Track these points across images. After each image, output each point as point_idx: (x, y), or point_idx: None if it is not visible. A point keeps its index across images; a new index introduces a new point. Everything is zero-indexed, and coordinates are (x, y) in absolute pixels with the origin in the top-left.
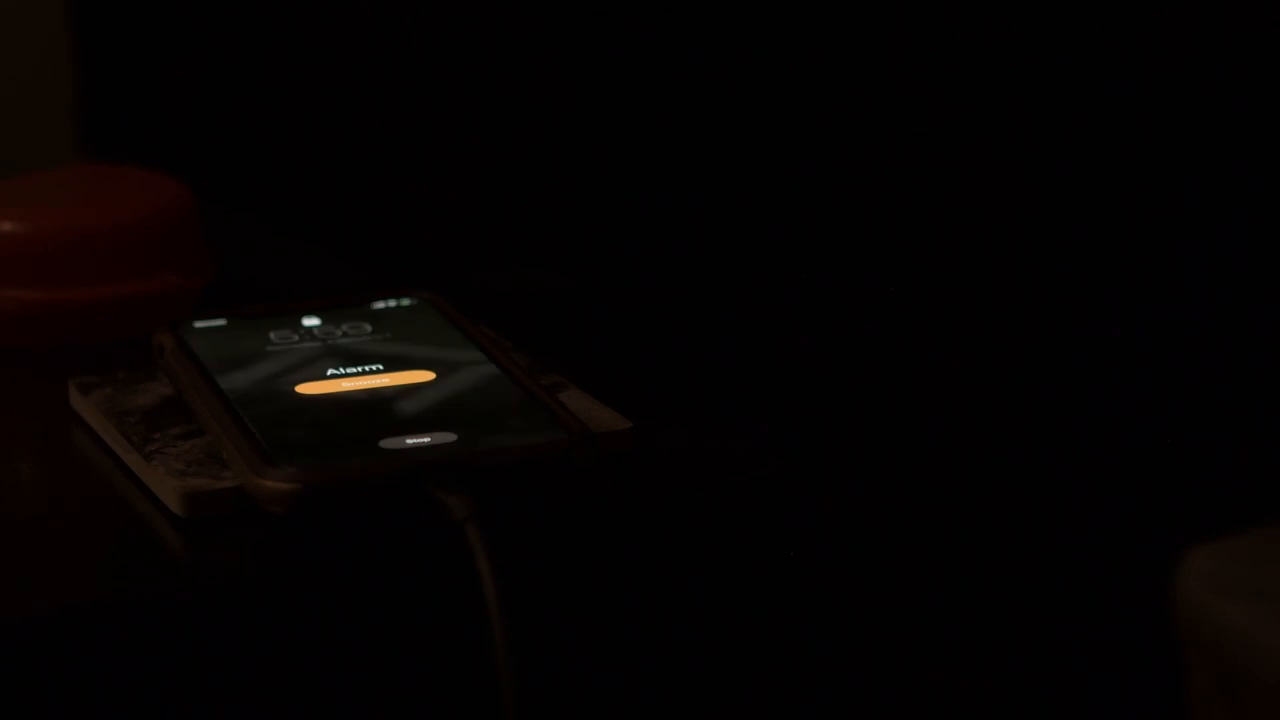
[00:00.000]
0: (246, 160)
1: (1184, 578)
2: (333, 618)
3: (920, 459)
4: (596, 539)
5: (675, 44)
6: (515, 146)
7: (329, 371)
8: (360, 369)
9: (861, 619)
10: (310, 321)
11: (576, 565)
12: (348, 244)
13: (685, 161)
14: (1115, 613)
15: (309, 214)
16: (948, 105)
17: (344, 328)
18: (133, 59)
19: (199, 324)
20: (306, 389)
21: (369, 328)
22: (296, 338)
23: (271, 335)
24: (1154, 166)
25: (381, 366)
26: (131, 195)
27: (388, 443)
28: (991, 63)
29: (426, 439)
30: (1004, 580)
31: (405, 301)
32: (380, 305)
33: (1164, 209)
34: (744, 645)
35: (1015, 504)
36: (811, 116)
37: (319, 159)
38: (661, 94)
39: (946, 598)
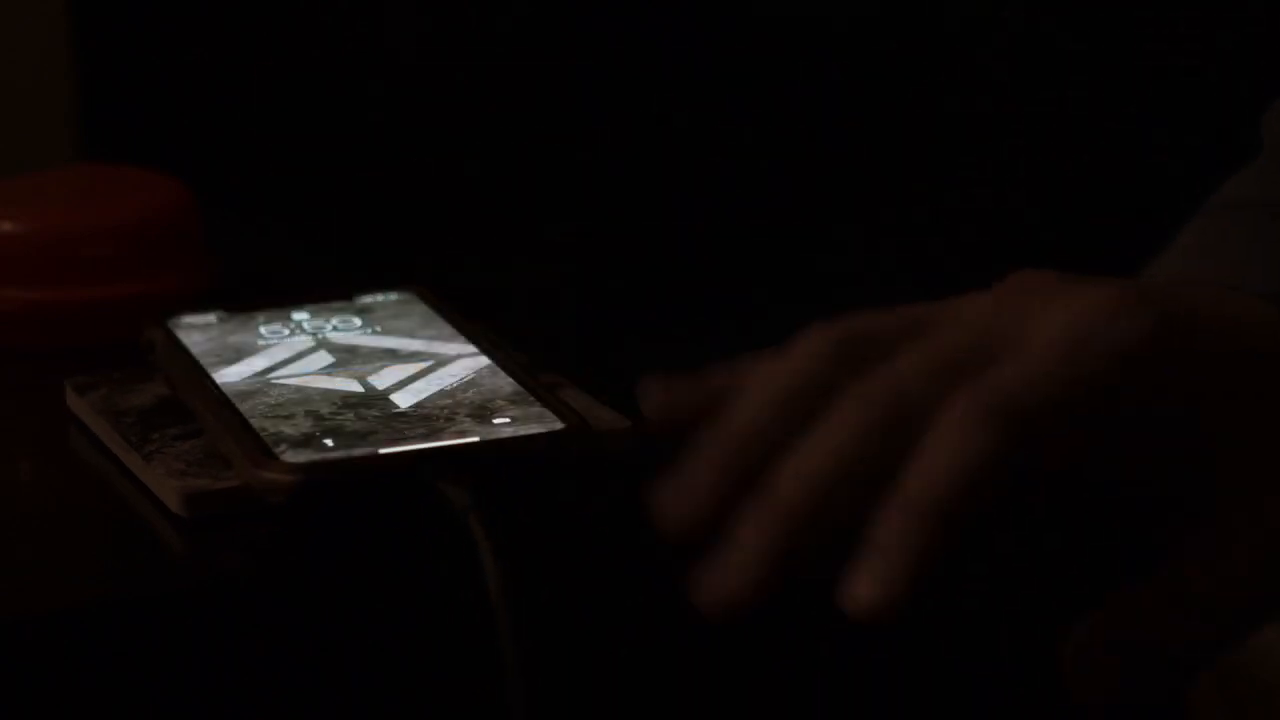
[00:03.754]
0: (246, 160)
1: None
2: (334, 611)
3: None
4: (597, 532)
5: (676, 44)
6: (515, 146)
7: (323, 364)
8: (355, 361)
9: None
10: (299, 315)
11: (578, 556)
12: (348, 244)
13: (685, 162)
14: None
15: (309, 214)
16: (947, 104)
17: (334, 321)
18: (133, 59)
19: (189, 319)
20: (302, 382)
21: (358, 321)
22: (288, 331)
23: (262, 329)
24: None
25: (377, 359)
26: (131, 195)
27: (386, 434)
28: (993, 63)
29: (424, 430)
30: (1003, 580)
31: (392, 296)
32: (367, 299)
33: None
34: (743, 645)
35: (1014, 504)
36: (811, 116)
37: (319, 159)
38: (662, 95)
39: (945, 598)
